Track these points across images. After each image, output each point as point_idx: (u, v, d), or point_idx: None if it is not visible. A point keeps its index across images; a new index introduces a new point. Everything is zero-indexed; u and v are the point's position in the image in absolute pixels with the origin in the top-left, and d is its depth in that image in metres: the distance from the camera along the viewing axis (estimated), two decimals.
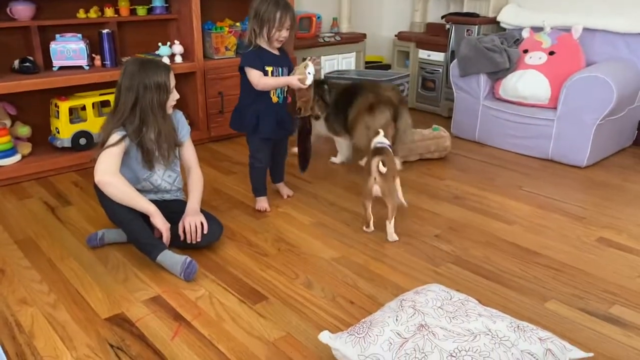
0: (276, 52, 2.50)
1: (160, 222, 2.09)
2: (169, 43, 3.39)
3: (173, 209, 2.25)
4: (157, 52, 3.38)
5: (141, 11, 3.38)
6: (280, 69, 2.49)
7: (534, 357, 1.45)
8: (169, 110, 2.19)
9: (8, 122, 3.01)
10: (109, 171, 2.03)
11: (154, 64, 2.12)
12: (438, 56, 4.29)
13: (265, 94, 2.49)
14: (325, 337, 1.56)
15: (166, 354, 1.64)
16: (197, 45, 3.41)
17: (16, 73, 3.00)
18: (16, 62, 3.03)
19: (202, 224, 2.18)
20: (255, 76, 2.42)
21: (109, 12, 3.27)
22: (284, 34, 2.43)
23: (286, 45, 2.59)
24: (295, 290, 1.99)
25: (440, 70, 4.29)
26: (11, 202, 2.71)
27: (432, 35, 4.41)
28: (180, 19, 3.47)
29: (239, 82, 2.56)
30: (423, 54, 4.41)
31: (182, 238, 2.16)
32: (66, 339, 1.71)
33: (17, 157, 2.98)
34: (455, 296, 1.67)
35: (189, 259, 2.03)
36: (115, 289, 1.98)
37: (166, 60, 3.32)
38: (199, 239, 2.17)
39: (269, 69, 2.45)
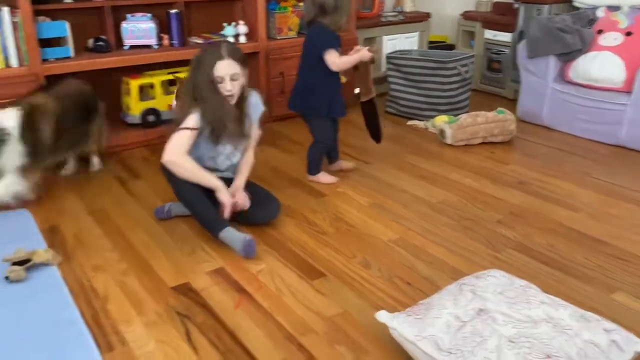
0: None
1: (225, 196, 2.16)
2: (233, 23, 3.45)
3: None
4: (222, 32, 3.45)
5: None
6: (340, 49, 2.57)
7: (598, 348, 1.42)
8: (227, 94, 2.15)
9: None
10: (177, 152, 2.12)
11: (216, 47, 2.15)
12: (505, 37, 4.14)
13: (337, 74, 2.58)
14: (382, 316, 1.58)
15: (229, 323, 1.71)
16: (261, 26, 3.45)
17: (90, 52, 3.15)
18: (90, 41, 3.18)
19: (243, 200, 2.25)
20: (335, 57, 2.51)
21: None
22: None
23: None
24: (353, 269, 2.02)
25: (507, 51, 4.15)
26: (85, 174, 2.87)
27: (499, 15, 4.25)
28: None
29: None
30: (489, 34, 4.27)
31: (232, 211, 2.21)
32: (136, 304, 1.81)
33: None
34: (516, 282, 1.65)
35: (249, 237, 2.08)
36: (182, 259, 2.08)
37: (230, 40, 3.39)
38: (241, 209, 2.24)
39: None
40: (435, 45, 4.61)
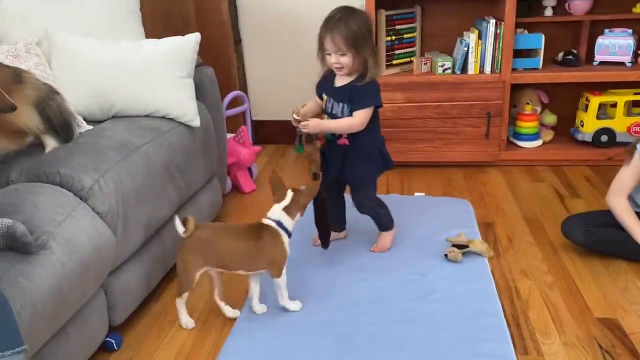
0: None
1: None
2: None
3: None
4: None
5: None
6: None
7: None
8: None
9: (539, 109, 3.26)
10: (616, 192, 2.07)
11: None
12: None
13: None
14: None
15: None
16: None
17: (558, 65, 3.18)
18: (560, 55, 3.21)
19: None
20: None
21: None
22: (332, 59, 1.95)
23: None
24: None
25: None
26: (525, 181, 2.96)
27: None
28: None
29: None
30: None
31: None
32: (557, 321, 1.79)
33: (538, 142, 3.21)
34: None
35: None
36: (613, 293, 1.93)
37: None
38: None
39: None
40: None
